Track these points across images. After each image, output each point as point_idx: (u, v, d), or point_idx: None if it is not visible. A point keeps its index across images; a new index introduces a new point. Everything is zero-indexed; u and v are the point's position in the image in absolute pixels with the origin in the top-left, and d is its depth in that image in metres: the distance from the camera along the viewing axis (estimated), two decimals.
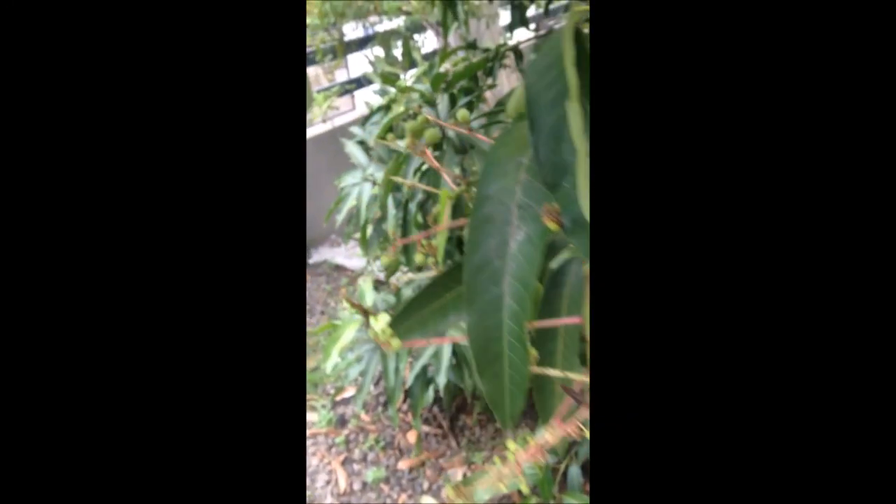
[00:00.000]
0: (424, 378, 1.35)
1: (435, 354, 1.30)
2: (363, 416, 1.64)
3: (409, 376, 1.33)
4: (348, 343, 1.34)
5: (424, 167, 1.16)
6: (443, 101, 1.24)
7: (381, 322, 1.35)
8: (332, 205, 1.42)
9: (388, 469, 1.48)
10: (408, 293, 1.43)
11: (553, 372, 0.30)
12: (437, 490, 1.41)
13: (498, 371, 0.27)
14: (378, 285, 2.02)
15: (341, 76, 2.55)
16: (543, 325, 0.32)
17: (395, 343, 0.31)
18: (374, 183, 1.34)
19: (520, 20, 1.59)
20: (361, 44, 2.33)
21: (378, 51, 2.22)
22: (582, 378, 0.28)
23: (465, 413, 1.58)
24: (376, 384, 1.73)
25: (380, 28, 2.30)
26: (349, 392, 1.72)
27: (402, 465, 1.48)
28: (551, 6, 1.68)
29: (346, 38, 2.30)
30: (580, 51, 0.27)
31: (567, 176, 0.25)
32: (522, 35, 1.80)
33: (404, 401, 1.61)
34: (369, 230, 1.44)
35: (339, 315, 1.83)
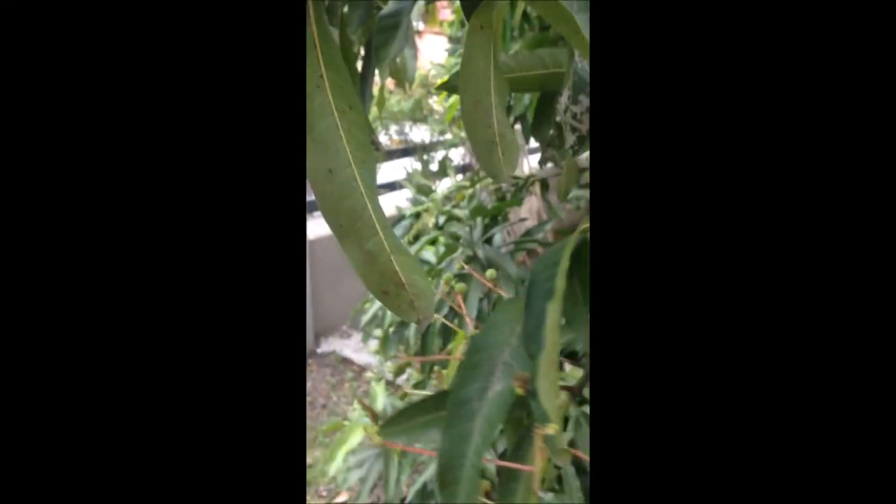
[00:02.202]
0: (424, 493, 1.33)
1: None
2: None
3: (410, 490, 1.32)
4: (355, 446, 1.34)
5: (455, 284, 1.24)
6: (477, 225, 1.34)
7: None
8: (360, 304, 1.47)
9: None
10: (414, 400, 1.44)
11: None
12: None
13: (454, 493, 0.33)
14: (386, 386, 2.02)
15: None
16: (505, 465, 0.36)
17: (377, 440, 0.36)
18: None
19: (550, 157, 1.73)
20: (401, 153, 2.52)
21: (415, 163, 2.39)
22: None
23: None
24: (371, 491, 1.68)
25: (417, 138, 2.49)
26: (342, 497, 1.68)
27: None
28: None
29: (387, 147, 2.50)
30: (577, 261, 0.34)
31: (541, 354, 0.32)
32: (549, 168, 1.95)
33: None
34: (391, 332, 1.49)
35: (345, 412, 1.82)
